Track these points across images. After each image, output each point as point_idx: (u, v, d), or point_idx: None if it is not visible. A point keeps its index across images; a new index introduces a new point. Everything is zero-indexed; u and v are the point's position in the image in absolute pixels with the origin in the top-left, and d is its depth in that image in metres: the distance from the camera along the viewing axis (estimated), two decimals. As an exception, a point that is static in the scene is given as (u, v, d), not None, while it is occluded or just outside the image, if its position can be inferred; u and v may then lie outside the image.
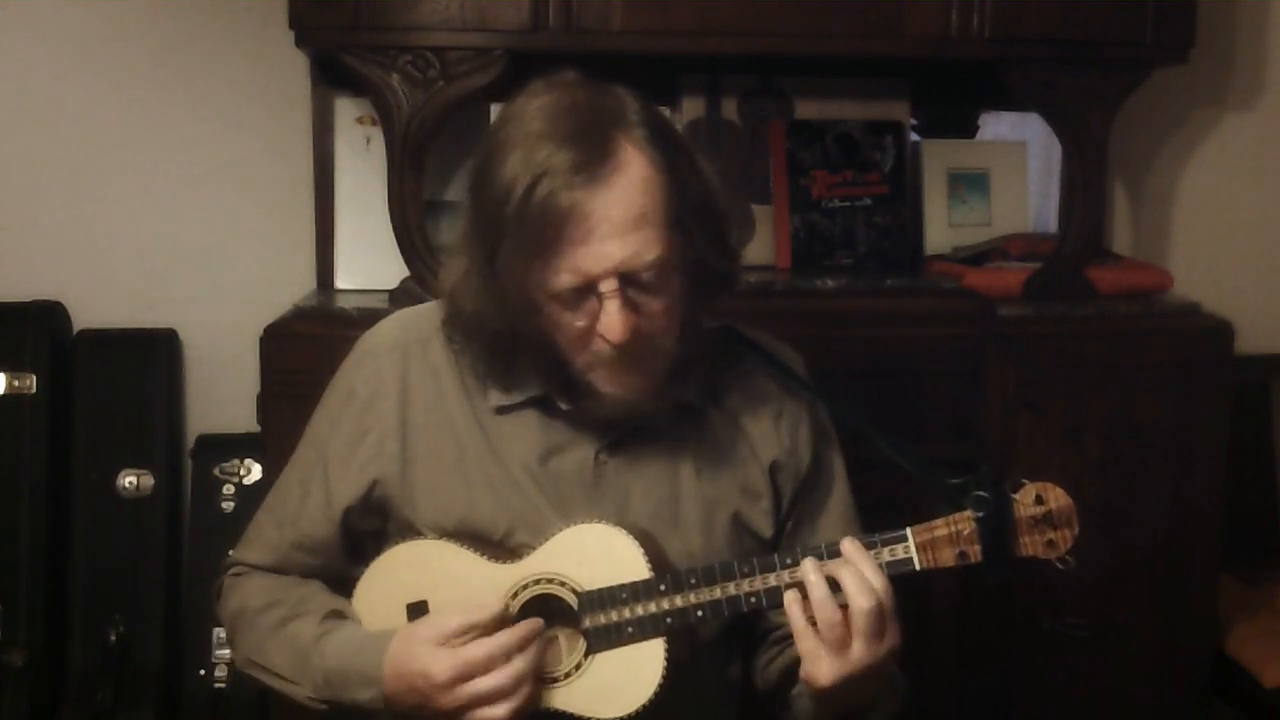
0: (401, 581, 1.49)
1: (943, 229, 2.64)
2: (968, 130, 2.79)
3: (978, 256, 2.52)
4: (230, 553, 1.63)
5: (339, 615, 1.50)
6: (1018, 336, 2.29)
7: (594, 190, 1.33)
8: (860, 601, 1.33)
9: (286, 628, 1.50)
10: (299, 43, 2.20)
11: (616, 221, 1.34)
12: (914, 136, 2.67)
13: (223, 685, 2.41)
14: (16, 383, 2.45)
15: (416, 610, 1.47)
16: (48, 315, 2.50)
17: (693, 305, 1.43)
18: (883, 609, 1.34)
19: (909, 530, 1.37)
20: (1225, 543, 2.40)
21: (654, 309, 1.38)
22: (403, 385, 1.52)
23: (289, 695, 1.50)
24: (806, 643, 1.35)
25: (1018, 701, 2.36)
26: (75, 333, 2.55)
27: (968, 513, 1.36)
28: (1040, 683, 2.35)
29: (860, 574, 1.34)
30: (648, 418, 1.48)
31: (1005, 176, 2.68)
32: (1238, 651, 2.44)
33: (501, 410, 1.50)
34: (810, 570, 1.36)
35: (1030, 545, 1.37)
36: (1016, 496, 1.36)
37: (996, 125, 2.81)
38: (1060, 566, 1.37)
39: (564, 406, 1.47)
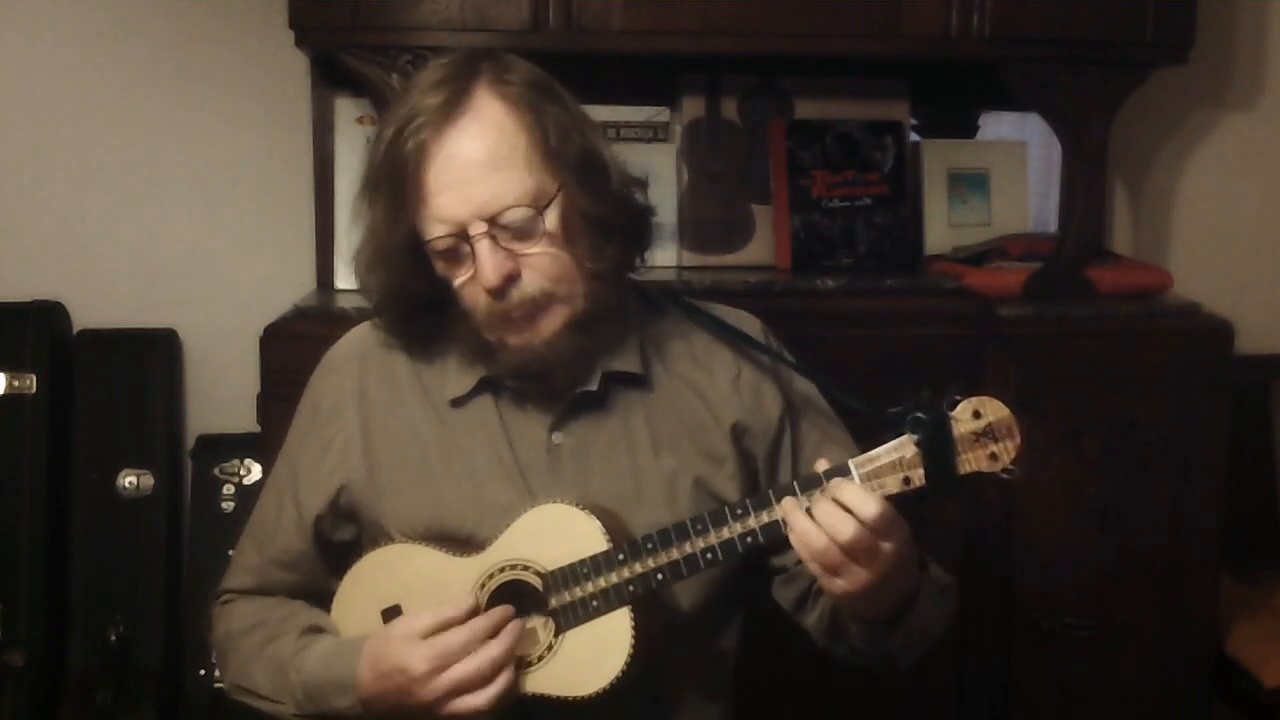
0: (374, 588, 1.49)
1: (943, 229, 2.64)
2: (968, 130, 2.79)
3: (978, 256, 2.52)
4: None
5: (317, 630, 1.51)
6: (1018, 336, 2.29)
7: (444, 133, 1.37)
8: (841, 532, 1.32)
9: (268, 648, 1.51)
10: (299, 43, 2.20)
11: (472, 164, 1.37)
12: (914, 136, 2.67)
13: (223, 685, 2.40)
14: (16, 383, 2.45)
15: (391, 615, 1.47)
16: (48, 315, 2.50)
17: (581, 253, 1.42)
18: (859, 535, 1.32)
19: (851, 463, 1.37)
20: (1225, 543, 2.40)
21: (531, 254, 1.39)
22: (361, 394, 1.53)
23: (274, 714, 1.51)
24: (814, 570, 1.35)
25: (1016, 702, 2.36)
26: (75, 333, 2.55)
27: (907, 437, 1.35)
28: (1039, 683, 2.35)
29: (827, 509, 1.33)
30: (578, 383, 1.48)
31: (1005, 176, 2.68)
32: (1238, 651, 2.44)
33: (456, 403, 1.51)
34: (790, 509, 1.35)
35: (973, 461, 1.36)
36: (954, 414, 1.35)
37: (996, 125, 2.81)
38: (1005, 477, 1.36)
39: (511, 384, 1.48)
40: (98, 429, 2.49)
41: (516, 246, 1.39)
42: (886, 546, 1.33)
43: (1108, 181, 2.50)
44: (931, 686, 2.29)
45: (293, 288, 2.48)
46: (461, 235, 1.38)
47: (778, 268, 2.54)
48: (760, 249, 2.57)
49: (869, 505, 1.31)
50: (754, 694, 1.65)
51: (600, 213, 1.43)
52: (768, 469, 1.57)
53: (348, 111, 2.49)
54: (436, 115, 1.37)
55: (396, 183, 1.39)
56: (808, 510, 1.34)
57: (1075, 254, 2.40)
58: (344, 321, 2.16)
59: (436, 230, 1.39)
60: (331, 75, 2.45)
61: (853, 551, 1.32)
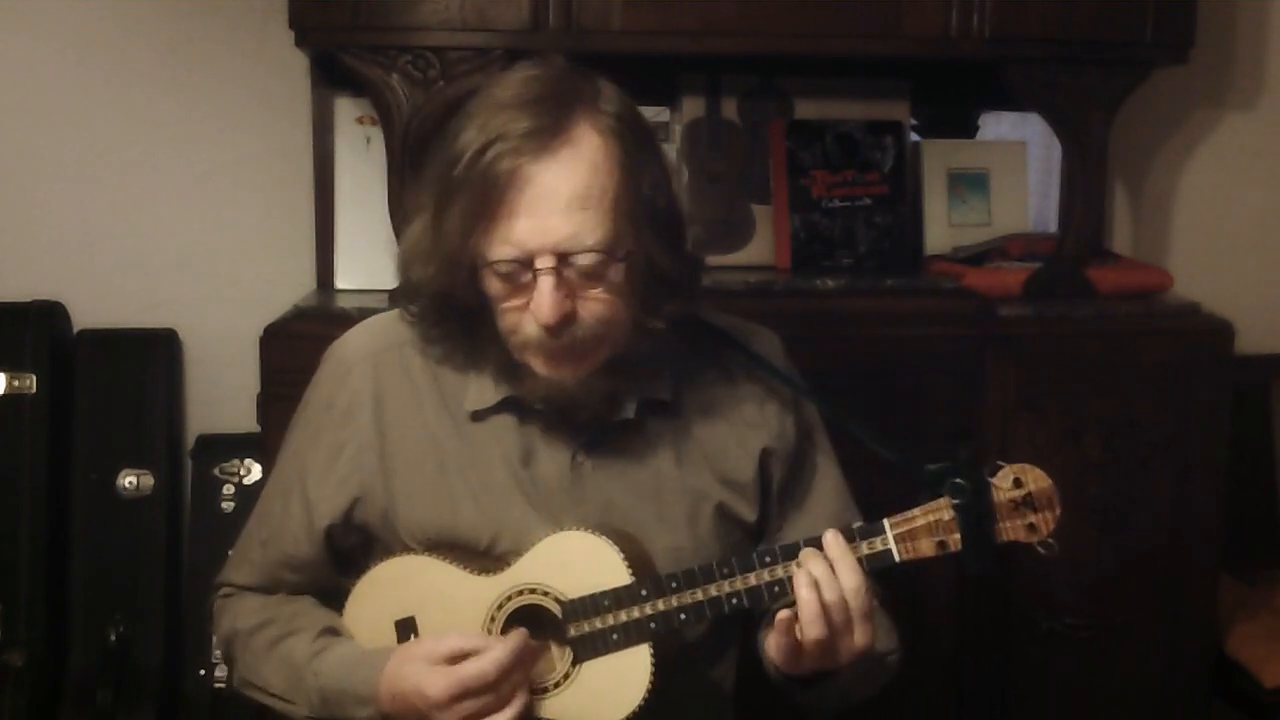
0: (388, 599, 1.48)
1: (943, 229, 2.64)
2: (968, 130, 2.79)
3: (978, 256, 2.52)
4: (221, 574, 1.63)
5: (332, 632, 1.49)
6: (1018, 336, 2.29)
7: (540, 160, 1.33)
8: (827, 595, 1.33)
9: (279, 647, 1.49)
10: (299, 43, 2.20)
11: (559, 197, 1.33)
12: (914, 136, 2.67)
13: (223, 685, 2.41)
14: (16, 383, 2.45)
15: (405, 627, 1.46)
16: (48, 315, 2.50)
17: (639, 305, 1.40)
18: (847, 606, 1.33)
19: (886, 522, 1.36)
20: (1225, 543, 2.40)
21: (591, 298, 1.36)
22: (377, 396, 1.50)
23: (286, 714, 1.49)
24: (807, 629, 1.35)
25: (1016, 702, 2.36)
26: (75, 333, 2.55)
27: (945, 500, 1.34)
28: (1039, 683, 2.35)
29: (827, 570, 1.34)
30: (611, 413, 1.46)
31: (1005, 176, 2.68)
32: (1238, 651, 2.44)
33: (478, 416, 1.48)
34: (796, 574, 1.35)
35: (1011, 530, 1.34)
36: (994, 481, 1.34)
37: (996, 125, 2.81)
38: (1042, 551, 1.34)
39: (538, 407, 1.46)
40: (98, 429, 2.49)
41: (579, 286, 1.36)
42: (860, 634, 1.35)
43: (1108, 181, 2.50)
44: (931, 686, 2.29)
45: (293, 288, 2.47)
46: (527, 263, 1.35)
47: (778, 268, 2.54)
48: (760, 249, 2.57)
49: (852, 578, 1.33)
50: (753, 706, 1.65)
51: (669, 272, 1.41)
52: (780, 491, 1.56)
53: (348, 111, 2.49)
54: (534, 141, 1.32)
55: (478, 197, 1.34)
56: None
57: (1075, 254, 2.40)
58: (344, 321, 2.15)
59: (504, 253, 1.34)
60: (331, 75, 2.45)
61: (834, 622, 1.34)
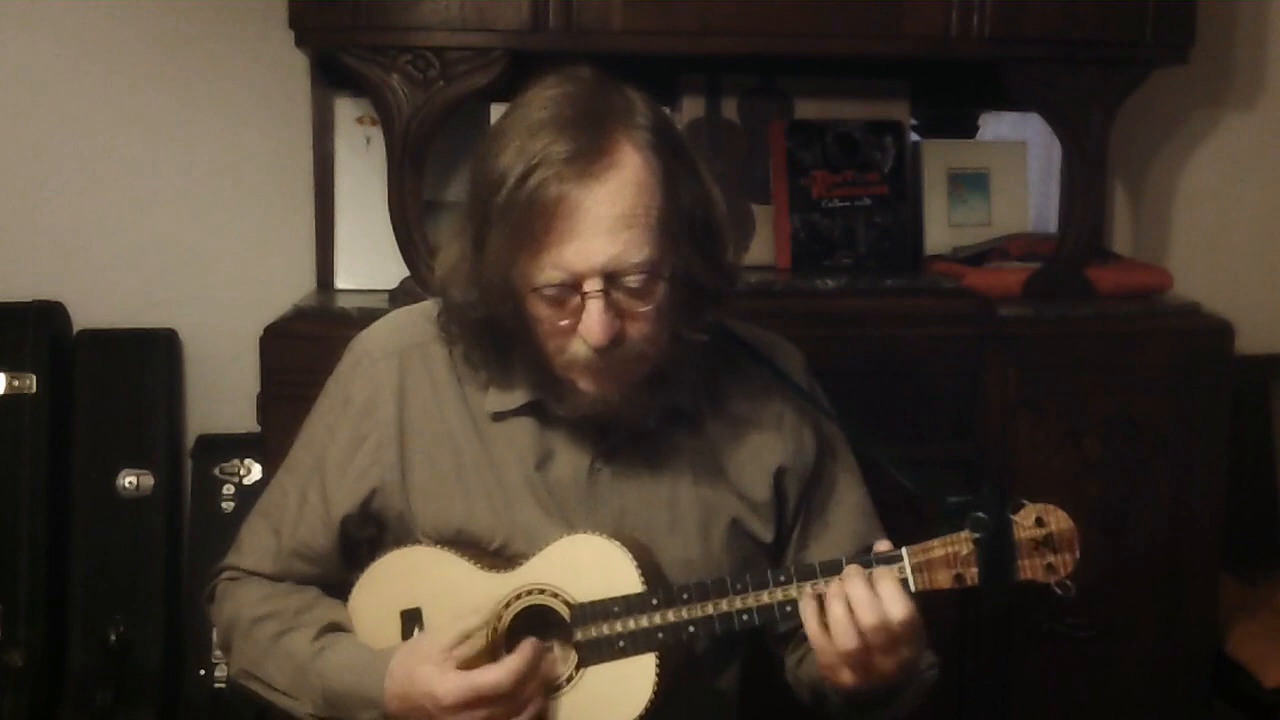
0: (396, 589, 1.48)
1: (943, 229, 2.64)
2: (968, 130, 2.79)
3: (978, 256, 2.52)
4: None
5: (335, 627, 1.49)
6: (1018, 336, 2.29)
7: (585, 184, 1.32)
8: (887, 615, 1.33)
9: (283, 641, 1.49)
10: (299, 43, 2.20)
11: (605, 219, 1.32)
12: (914, 136, 2.67)
13: (223, 685, 2.41)
14: (16, 383, 2.45)
15: (410, 618, 1.46)
16: (48, 315, 2.50)
17: (679, 317, 1.40)
18: (891, 627, 1.33)
19: (904, 551, 1.35)
20: (1225, 543, 2.40)
21: (638, 315, 1.36)
22: (400, 392, 1.50)
23: (287, 709, 1.49)
24: (826, 657, 1.35)
25: (1016, 702, 2.35)
26: (75, 333, 2.55)
27: (966, 534, 1.33)
28: (1039, 683, 2.35)
29: (868, 591, 1.33)
30: (639, 423, 1.46)
31: (1005, 176, 2.68)
32: (1238, 651, 2.44)
33: (498, 417, 1.48)
34: (833, 595, 1.34)
35: (1029, 569, 1.33)
36: (1016, 518, 1.33)
37: (996, 125, 2.81)
38: (1059, 592, 1.33)
39: (560, 413, 1.45)
40: (98, 429, 2.49)
41: (626, 305, 1.36)
42: (904, 652, 1.34)
43: (1108, 181, 2.50)
44: (931, 687, 2.29)
45: (293, 288, 2.47)
46: (575, 286, 1.34)
47: (778, 268, 2.54)
48: (760, 249, 2.56)
49: (898, 607, 1.32)
50: (756, 713, 1.65)
51: (710, 284, 1.41)
52: (798, 509, 1.56)
53: (348, 111, 2.49)
54: (576, 165, 1.31)
55: (523, 224, 1.33)
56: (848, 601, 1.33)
57: (1075, 254, 2.40)
58: (344, 321, 2.18)
59: (550, 277, 1.33)
60: (331, 75, 2.45)
61: (870, 648, 1.33)
